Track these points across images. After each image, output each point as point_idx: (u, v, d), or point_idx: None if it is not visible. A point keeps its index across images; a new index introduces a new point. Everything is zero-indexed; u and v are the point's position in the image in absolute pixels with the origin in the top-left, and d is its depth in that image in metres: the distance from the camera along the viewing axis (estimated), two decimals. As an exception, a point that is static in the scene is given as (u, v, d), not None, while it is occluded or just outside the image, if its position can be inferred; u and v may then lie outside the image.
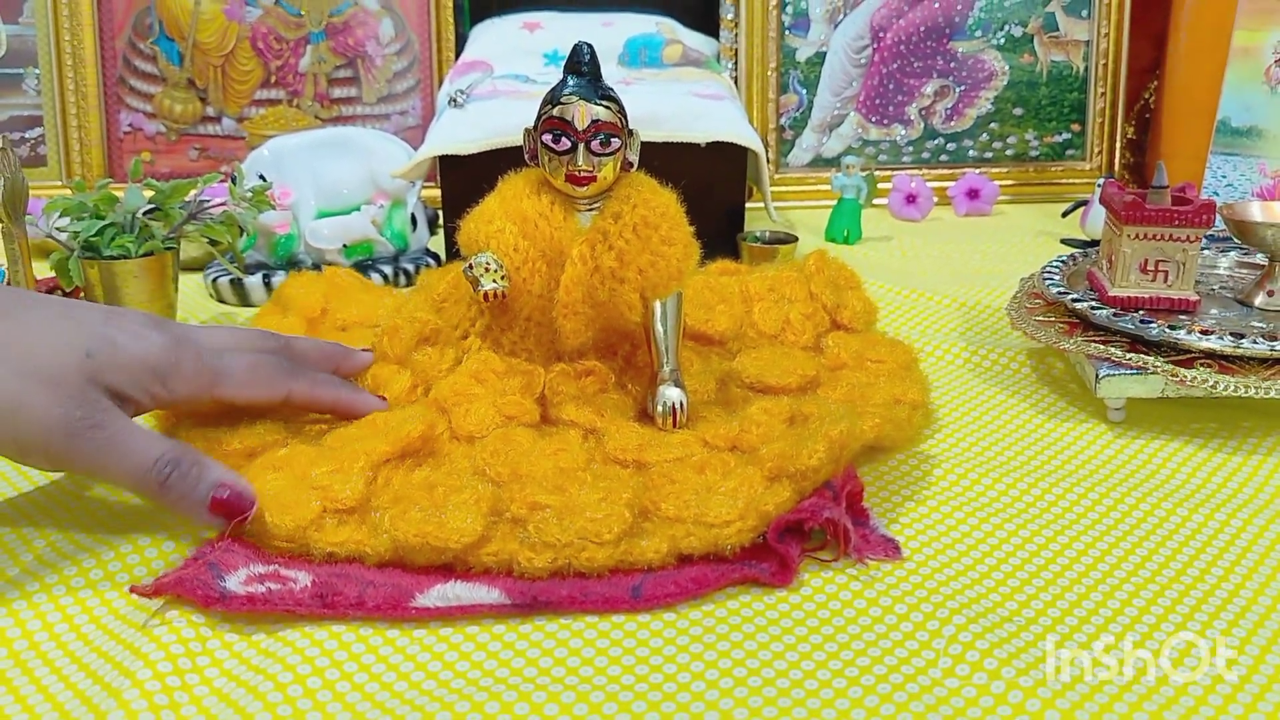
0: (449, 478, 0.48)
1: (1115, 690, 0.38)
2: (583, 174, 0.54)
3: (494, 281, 0.53)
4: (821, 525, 0.46)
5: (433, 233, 0.91)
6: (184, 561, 0.45)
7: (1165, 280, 0.62)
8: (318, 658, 0.40)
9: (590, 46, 0.54)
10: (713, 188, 0.87)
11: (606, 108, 0.53)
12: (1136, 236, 0.62)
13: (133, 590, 0.43)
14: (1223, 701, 0.37)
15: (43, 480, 0.53)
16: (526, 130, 0.55)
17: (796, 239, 0.88)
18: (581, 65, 0.54)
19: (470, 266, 0.54)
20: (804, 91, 1.14)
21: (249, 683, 0.39)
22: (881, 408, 0.55)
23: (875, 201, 1.09)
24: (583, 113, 0.53)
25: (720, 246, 0.85)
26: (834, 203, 0.99)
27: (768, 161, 1.06)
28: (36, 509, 0.50)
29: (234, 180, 0.74)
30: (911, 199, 1.06)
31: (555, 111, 0.53)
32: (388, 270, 0.84)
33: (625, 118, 0.54)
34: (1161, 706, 0.37)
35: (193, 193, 0.72)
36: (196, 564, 0.44)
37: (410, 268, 0.85)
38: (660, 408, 0.55)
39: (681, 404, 0.55)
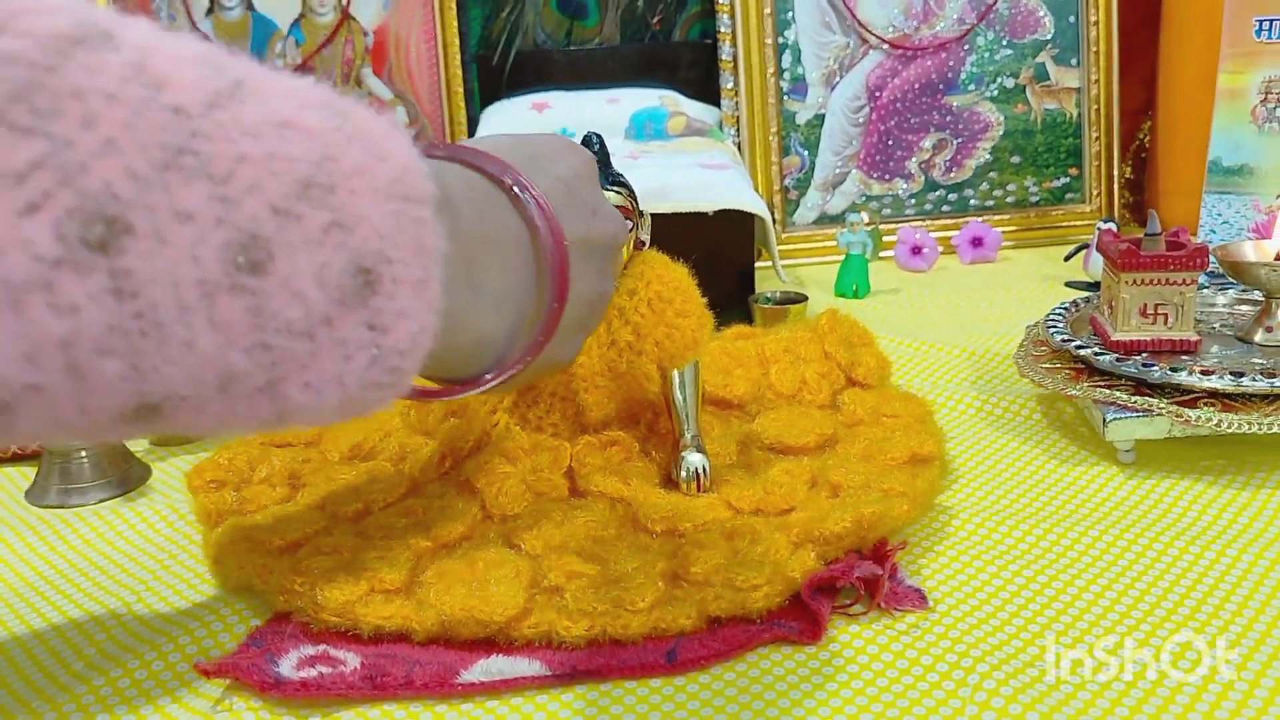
0: (488, 552, 0.50)
1: (1137, 728, 0.39)
2: (598, 255, 0.56)
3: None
4: (853, 583, 0.48)
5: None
6: (238, 646, 0.47)
7: (1165, 323, 0.64)
8: (372, 736, 0.42)
9: (600, 137, 0.57)
10: (723, 253, 0.90)
11: (617, 193, 0.56)
12: (1134, 282, 0.64)
13: (197, 667, 0.45)
14: (1241, 734, 0.39)
15: (99, 576, 0.55)
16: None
17: (807, 298, 0.91)
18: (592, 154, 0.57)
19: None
20: (805, 153, 1.17)
21: (310, 763, 0.41)
22: (908, 485, 0.55)
23: (882, 255, 1.11)
24: (595, 199, 0.56)
25: (733, 309, 0.88)
26: (841, 258, 1.02)
27: (774, 223, 1.09)
28: (92, 601, 0.53)
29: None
30: (917, 250, 1.09)
31: (569, 199, 0.56)
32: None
33: (636, 200, 0.57)
34: (1182, 742, 0.39)
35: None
36: (249, 650, 0.46)
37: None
38: (684, 473, 0.57)
39: (704, 469, 0.57)
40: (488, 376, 0.39)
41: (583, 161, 0.46)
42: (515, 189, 0.39)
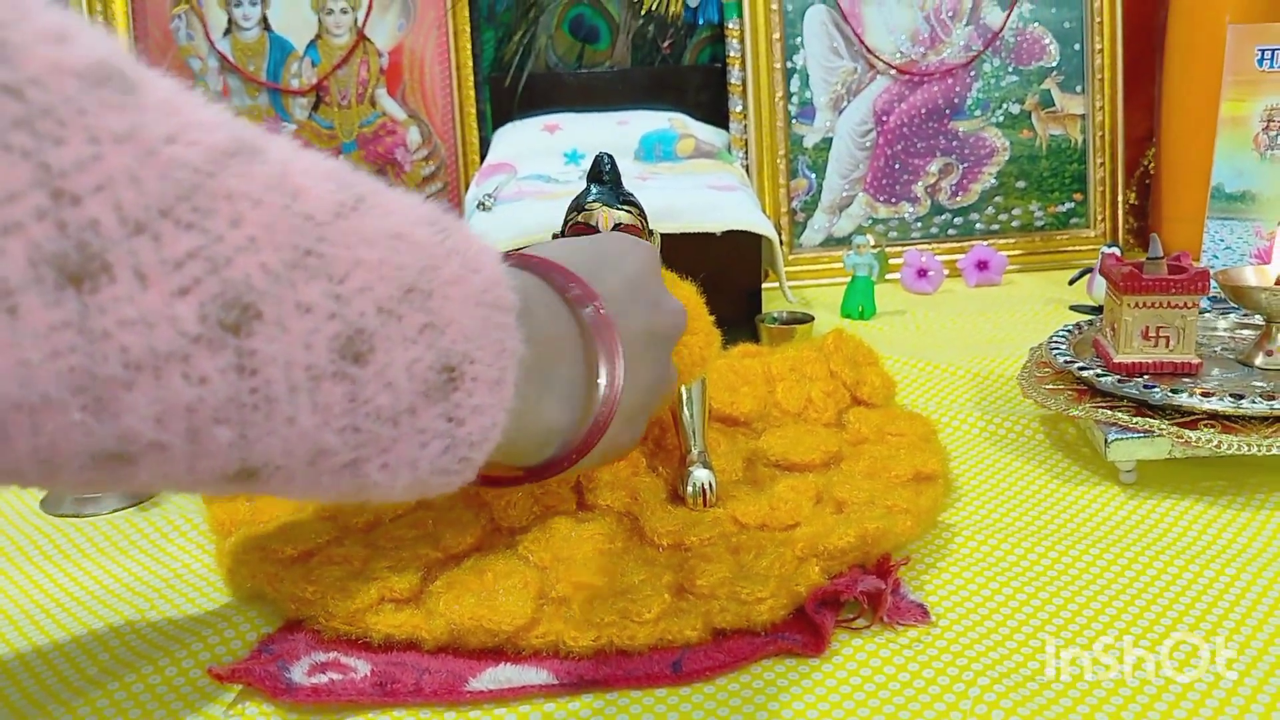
0: (496, 563, 0.51)
1: (1135, 741, 0.40)
2: (608, 274, 0.57)
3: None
4: (857, 597, 0.49)
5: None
6: (250, 653, 0.48)
7: (1167, 345, 0.65)
8: (382, 741, 0.43)
9: (611, 158, 0.59)
10: (730, 273, 0.91)
11: (628, 212, 0.57)
12: (1136, 305, 0.65)
13: (210, 672, 0.46)
14: (1238, 748, 0.40)
15: (112, 584, 0.56)
16: (554, 235, 0.59)
17: (813, 318, 0.92)
18: (604, 174, 0.58)
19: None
20: (813, 176, 1.18)
21: (321, 766, 0.41)
22: (912, 502, 0.56)
23: (888, 277, 1.12)
24: (606, 218, 0.57)
25: (740, 329, 0.89)
26: (848, 280, 1.03)
27: (781, 245, 1.10)
28: (106, 608, 0.54)
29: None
30: (923, 273, 1.10)
31: (580, 218, 0.57)
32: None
33: (645, 219, 0.59)
34: (1179, 755, 0.39)
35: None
36: (261, 656, 0.47)
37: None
38: (691, 489, 0.58)
39: (711, 484, 0.58)
40: (558, 461, 0.43)
41: (647, 259, 0.50)
42: (575, 304, 0.43)
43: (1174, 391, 0.60)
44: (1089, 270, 1.02)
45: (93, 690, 0.46)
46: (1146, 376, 0.64)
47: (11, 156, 0.21)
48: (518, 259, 0.43)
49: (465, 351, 0.31)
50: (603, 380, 0.44)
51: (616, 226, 0.57)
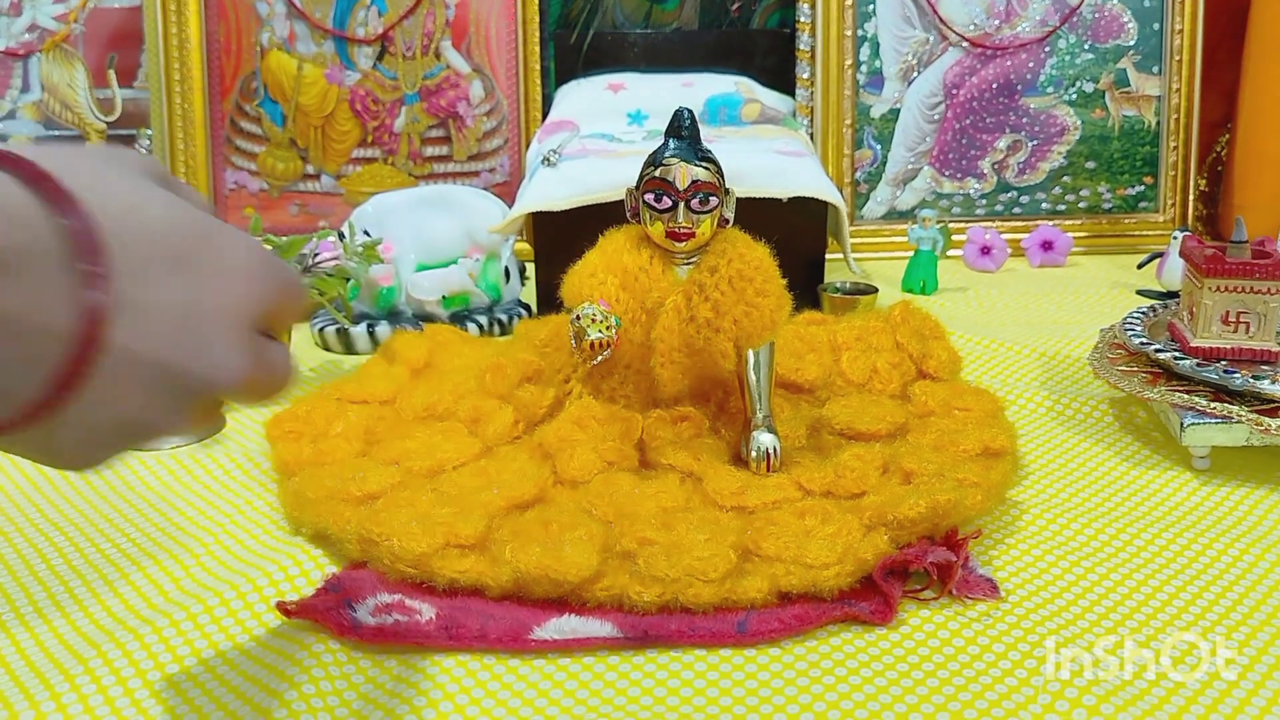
0: (561, 515, 0.51)
1: (1213, 727, 0.39)
2: (682, 230, 0.57)
3: (600, 331, 0.56)
4: (926, 568, 0.48)
5: (523, 284, 0.95)
6: (316, 591, 0.48)
7: (1247, 331, 0.63)
8: (448, 684, 0.43)
9: (690, 112, 0.58)
10: (794, 241, 0.89)
11: (705, 168, 0.56)
12: (1218, 289, 0.63)
13: (279, 606, 0.46)
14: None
15: (177, 517, 0.57)
16: (629, 190, 0.58)
17: (877, 290, 0.91)
18: (682, 129, 0.57)
19: (577, 318, 0.56)
20: (878, 147, 1.17)
21: (386, 705, 0.41)
22: (982, 476, 0.55)
23: (950, 253, 1.11)
24: (683, 174, 0.56)
25: (802, 297, 0.87)
26: (909, 254, 1.02)
27: (846, 214, 1.08)
28: (172, 540, 0.54)
29: (344, 236, 0.78)
30: (986, 250, 1.08)
31: (658, 173, 0.56)
32: (483, 320, 0.88)
33: (723, 177, 0.58)
34: (1260, 743, 0.38)
35: (306, 247, 0.76)
36: (327, 595, 0.47)
37: (504, 318, 0.89)
38: (755, 452, 0.57)
39: (775, 449, 0.57)
40: None
41: (252, 293, 0.33)
42: (83, 257, 0.28)
43: (1255, 378, 0.59)
44: (1159, 254, 1.00)
45: (160, 620, 0.47)
46: (1225, 362, 0.62)
47: None
48: (30, 171, 0.28)
49: None
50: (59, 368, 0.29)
51: (694, 183, 0.56)
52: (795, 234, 0.90)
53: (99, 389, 0.29)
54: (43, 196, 0.28)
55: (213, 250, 0.32)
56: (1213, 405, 0.59)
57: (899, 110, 1.16)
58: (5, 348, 0.28)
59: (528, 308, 0.92)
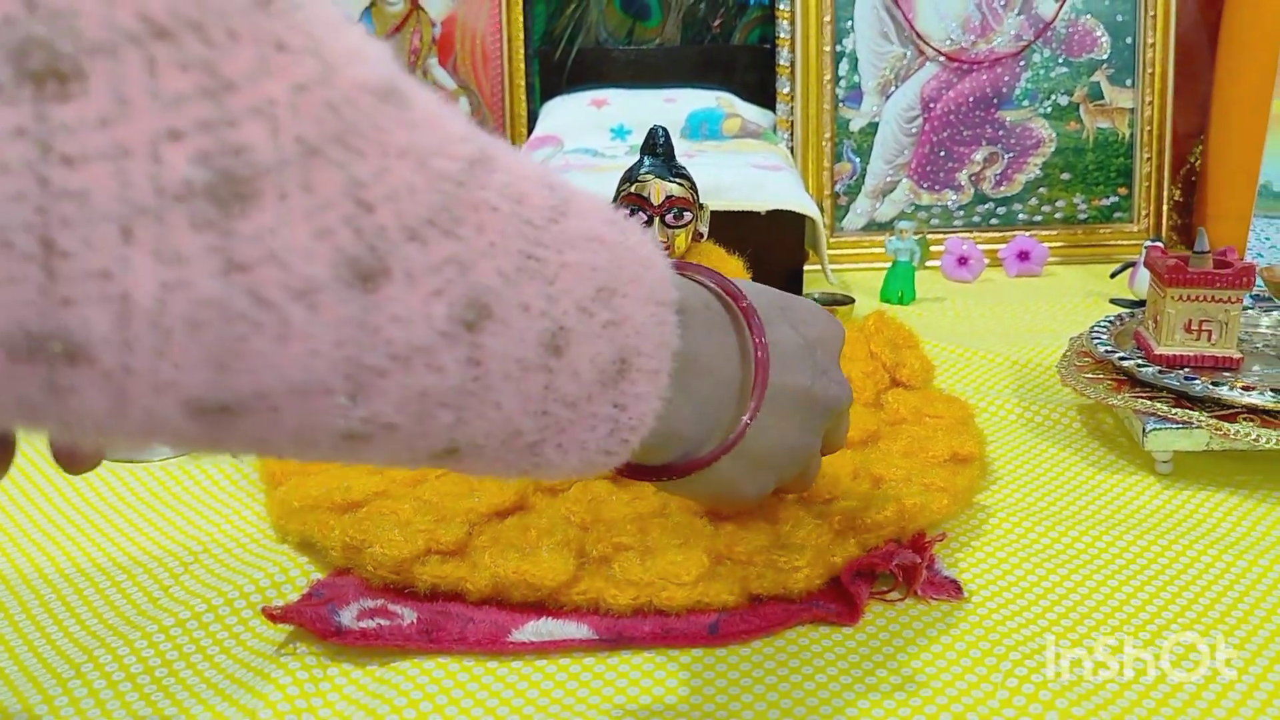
0: (539, 521, 0.52)
1: None
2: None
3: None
4: (892, 570, 0.50)
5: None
6: (301, 597, 0.49)
7: (1209, 339, 0.65)
8: (427, 685, 0.44)
9: (665, 130, 0.60)
10: (773, 253, 0.92)
11: (679, 184, 0.58)
12: (1180, 298, 0.65)
13: (263, 611, 0.47)
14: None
15: (166, 526, 0.58)
16: (606, 206, 0.60)
17: (854, 300, 0.92)
18: (657, 147, 0.59)
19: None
20: (857, 160, 1.19)
21: (369, 707, 0.43)
22: (949, 481, 0.57)
23: (928, 264, 1.13)
24: (658, 190, 0.58)
25: (780, 309, 0.89)
26: (888, 265, 1.03)
27: (824, 227, 1.10)
28: (160, 549, 0.55)
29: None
30: (963, 261, 1.10)
31: (633, 189, 0.58)
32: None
33: (697, 193, 0.60)
34: (1206, 734, 0.40)
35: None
36: (312, 600, 0.49)
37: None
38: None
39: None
40: (675, 468, 0.43)
41: (832, 332, 0.48)
42: (746, 317, 0.43)
43: (1215, 384, 0.61)
44: (1131, 264, 1.02)
45: (148, 625, 0.48)
46: (1187, 369, 0.64)
47: (330, 168, 0.24)
48: (698, 269, 0.43)
49: (636, 345, 0.34)
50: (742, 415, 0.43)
51: (668, 198, 0.58)
52: (774, 246, 0.92)
53: (765, 415, 0.42)
54: (720, 290, 0.43)
55: (790, 302, 0.46)
56: (1174, 411, 0.61)
57: (877, 124, 1.18)
58: (704, 386, 0.40)
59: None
